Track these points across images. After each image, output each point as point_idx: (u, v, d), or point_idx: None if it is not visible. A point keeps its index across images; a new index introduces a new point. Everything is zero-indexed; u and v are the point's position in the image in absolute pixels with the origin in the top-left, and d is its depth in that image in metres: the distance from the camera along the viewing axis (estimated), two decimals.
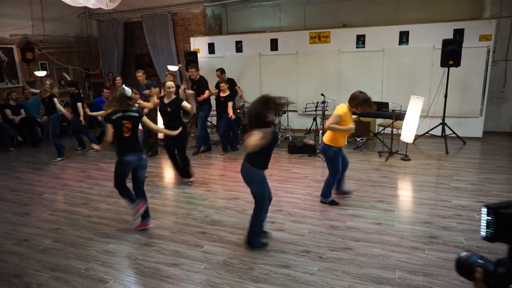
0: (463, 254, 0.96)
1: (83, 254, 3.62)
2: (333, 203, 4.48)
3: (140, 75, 6.99)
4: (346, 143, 4.36)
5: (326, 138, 4.28)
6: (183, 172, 5.42)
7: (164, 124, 5.21)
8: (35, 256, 3.60)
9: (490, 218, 0.92)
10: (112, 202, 4.86)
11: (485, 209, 0.90)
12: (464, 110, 7.30)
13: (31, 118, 8.38)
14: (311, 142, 6.86)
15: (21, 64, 9.13)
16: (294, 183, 5.27)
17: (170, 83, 5.21)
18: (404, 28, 7.47)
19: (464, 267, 0.95)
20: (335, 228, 3.90)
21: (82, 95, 7.32)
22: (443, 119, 6.82)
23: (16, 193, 5.41)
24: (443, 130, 6.82)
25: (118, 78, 7.40)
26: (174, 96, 5.20)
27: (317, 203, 4.56)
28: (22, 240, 3.94)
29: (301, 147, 6.74)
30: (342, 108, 4.18)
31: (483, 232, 0.90)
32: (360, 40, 7.82)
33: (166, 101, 5.20)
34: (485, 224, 0.89)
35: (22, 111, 8.32)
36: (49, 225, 4.29)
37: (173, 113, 5.16)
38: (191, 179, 5.45)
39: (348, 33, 7.92)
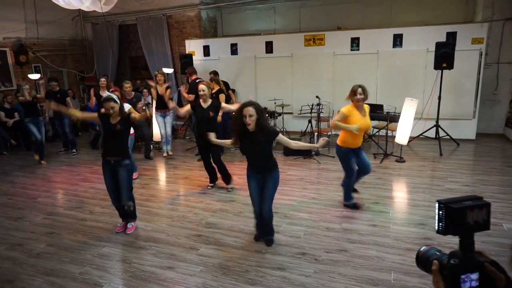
0: (422, 248, 1.03)
1: (78, 258, 3.59)
2: (354, 207, 4.36)
3: (128, 86, 6.50)
4: (360, 144, 4.21)
5: (338, 139, 4.27)
6: (226, 178, 5.17)
7: (201, 130, 4.79)
8: (29, 261, 3.57)
9: (441, 212, 0.98)
10: (106, 206, 4.82)
11: (437, 204, 0.96)
12: (458, 112, 7.37)
13: (23, 121, 8.30)
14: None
15: (15, 67, 9.07)
16: (290, 186, 5.28)
17: (202, 86, 4.86)
18: (398, 31, 7.54)
19: (422, 260, 1.02)
20: (330, 230, 3.91)
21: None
22: (437, 121, 6.87)
23: (9, 197, 5.36)
24: (437, 132, 6.88)
25: (103, 80, 7.05)
26: (210, 100, 4.94)
27: (312, 205, 4.57)
28: (15, 245, 3.90)
29: (296, 150, 6.74)
30: (347, 106, 4.15)
31: (436, 226, 0.96)
32: (355, 43, 7.87)
33: (204, 105, 4.88)
34: (437, 218, 0.95)
35: (16, 114, 8.25)
36: (43, 229, 4.25)
37: (215, 117, 4.95)
38: (231, 185, 5.23)
39: (342, 35, 7.97)
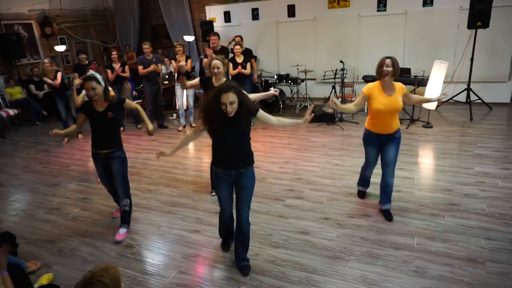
0: None
1: (110, 221, 3.80)
2: (360, 194, 3.93)
3: (147, 47, 6.64)
4: (390, 131, 3.32)
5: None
6: None
7: None
8: (66, 224, 3.81)
9: None
10: (134, 173, 5.01)
11: None
12: (491, 74, 6.98)
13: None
14: (330, 110, 6.76)
15: (41, 39, 9.25)
16: (312, 152, 5.27)
17: (216, 62, 3.67)
18: None
19: None
20: (353, 195, 3.92)
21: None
22: (468, 85, 6.55)
23: (44, 165, 5.65)
24: (468, 96, 6.58)
25: (114, 53, 6.93)
26: (224, 79, 3.74)
27: (335, 171, 4.56)
28: (53, 209, 4.16)
29: (319, 116, 6.67)
30: (370, 84, 3.35)
31: None
32: (382, 3, 7.47)
33: (216, 84, 3.67)
34: None
35: (45, 86, 8.51)
36: (77, 195, 4.49)
37: None
38: None
39: None
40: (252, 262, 2.93)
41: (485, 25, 5.99)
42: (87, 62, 7.30)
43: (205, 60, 6.60)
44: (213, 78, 3.77)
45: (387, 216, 3.45)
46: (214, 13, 9.07)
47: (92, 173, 5.20)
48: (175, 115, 7.95)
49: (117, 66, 6.81)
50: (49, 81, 6.55)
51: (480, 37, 6.30)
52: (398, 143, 3.39)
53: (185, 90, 6.84)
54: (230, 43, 7.31)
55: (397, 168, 4.50)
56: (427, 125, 6.02)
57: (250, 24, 8.74)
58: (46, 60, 6.72)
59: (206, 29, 8.07)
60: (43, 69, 6.72)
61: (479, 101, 6.66)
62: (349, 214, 3.57)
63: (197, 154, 5.72)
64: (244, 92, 2.65)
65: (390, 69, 3.14)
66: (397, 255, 2.91)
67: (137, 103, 4.00)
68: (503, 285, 2.52)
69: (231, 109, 2.46)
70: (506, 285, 2.52)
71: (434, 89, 5.85)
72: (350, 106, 3.43)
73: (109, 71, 6.80)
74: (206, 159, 5.40)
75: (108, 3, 11.02)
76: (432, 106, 5.99)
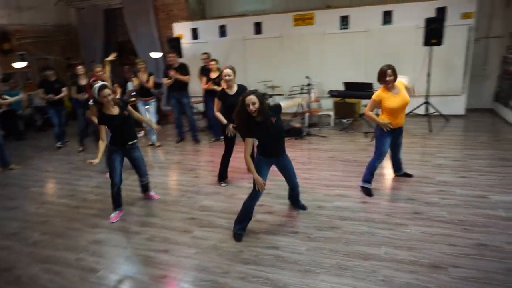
0: None
1: (73, 245, 3.62)
2: (368, 192, 4.20)
3: (99, 70, 5.93)
4: (401, 124, 4.06)
5: (379, 116, 4.07)
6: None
7: (228, 120, 4.43)
8: (25, 250, 3.59)
9: None
10: (100, 193, 4.84)
11: None
12: (447, 88, 7.40)
13: (12, 111, 8.19)
14: (297, 125, 6.89)
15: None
16: None
17: (227, 71, 4.29)
18: (387, 7, 7.47)
19: None
20: (323, 208, 3.98)
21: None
22: (427, 98, 6.91)
23: (1, 187, 5.34)
24: (427, 109, 6.93)
25: (80, 67, 6.69)
26: (235, 85, 4.42)
27: (304, 184, 4.61)
28: (10, 234, 3.92)
29: (287, 131, 6.77)
30: (377, 91, 4.02)
31: None
32: (344, 21, 7.79)
33: (230, 92, 4.38)
34: None
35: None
36: (37, 218, 4.26)
37: None
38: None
39: (332, 14, 7.88)
40: (222, 280, 2.89)
41: (439, 42, 6.39)
42: (54, 78, 7.00)
43: (165, 80, 6.62)
44: (225, 87, 4.40)
45: (407, 174, 4.54)
46: (181, 29, 9.09)
47: (53, 194, 4.97)
48: (142, 132, 7.80)
49: (82, 82, 6.60)
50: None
51: (436, 53, 6.69)
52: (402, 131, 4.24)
53: (145, 108, 6.73)
54: (202, 59, 7.23)
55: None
56: None
57: (218, 41, 8.82)
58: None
59: (173, 45, 8.06)
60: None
61: (437, 113, 7.02)
62: (318, 227, 3.61)
63: (165, 172, 5.61)
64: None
65: (392, 78, 3.85)
66: (365, 265, 2.96)
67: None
68: None
69: (254, 108, 3.08)
70: None
71: None
72: (372, 114, 4.01)
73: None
74: (174, 177, 5.32)
75: (72, 18, 10.78)
76: None
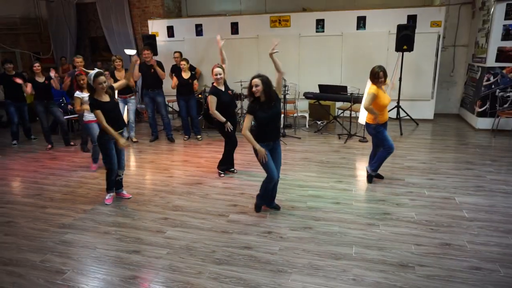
0: None
1: (38, 246, 3.47)
2: (369, 178, 4.64)
3: (80, 61, 6.15)
4: (387, 119, 4.45)
5: (367, 117, 4.51)
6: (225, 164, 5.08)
7: (226, 116, 4.65)
8: None
9: None
10: (68, 192, 4.68)
11: None
12: (417, 93, 7.67)
13: None
14: None
15: None
16: (257, 167, 5.31)
17: (218, 70, 4.61)
18: (361, 13, 7.66)
19: None
20: (296, 209, 4.02)
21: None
22: (398, 102, 7.13)
23: None
24: (398, 113, 7.15)
25: (37, 65, 6.44)
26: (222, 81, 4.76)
27: (278, 185, 4.61)
28: None
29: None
30: (372, 86, 4.35)
31: None
32: (320, 25, 7.93)
33: (223, 88, 4.71)
34: None
35: None
36: None
37: (235, 101, 4.92)
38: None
39: (307, 17, 7.99)
40: (194, 281, 2.86)
41: (410, 48, 6.62)
42: (13, 72, 6.70)
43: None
44: (215, 84, 4.66)
45: (379, 176, 4.76)
46: (157, 27, 8.95)
47: (18, 193, 4.76)
48: None
49: (40, 79, 6.36)
50: None
51: (407, 59, 6.93)
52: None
53: (125, 105, 6.62)
54: (174, 58, 7.22)
55: (336, 180, 4.74)
56: (363, 140, 6.41)
57: (194, 39, 8.74)
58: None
59: (148, 43, 7.91)
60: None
61: (408, 117, 7.26)
62: (291, 227, 3.64)
63: (138, 171, 5.50)
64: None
65: (383, 79, 4.29)
66: (337, 264, 3.01)
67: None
68: (431, 287, 2.72)
69: (256, 90, 3.43)
70: (433, 287, 2.72)
71: None
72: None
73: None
74: (147, 176, 5.22)
75: (41, 11, 10.37)
76: (364, 121, 6.40)
